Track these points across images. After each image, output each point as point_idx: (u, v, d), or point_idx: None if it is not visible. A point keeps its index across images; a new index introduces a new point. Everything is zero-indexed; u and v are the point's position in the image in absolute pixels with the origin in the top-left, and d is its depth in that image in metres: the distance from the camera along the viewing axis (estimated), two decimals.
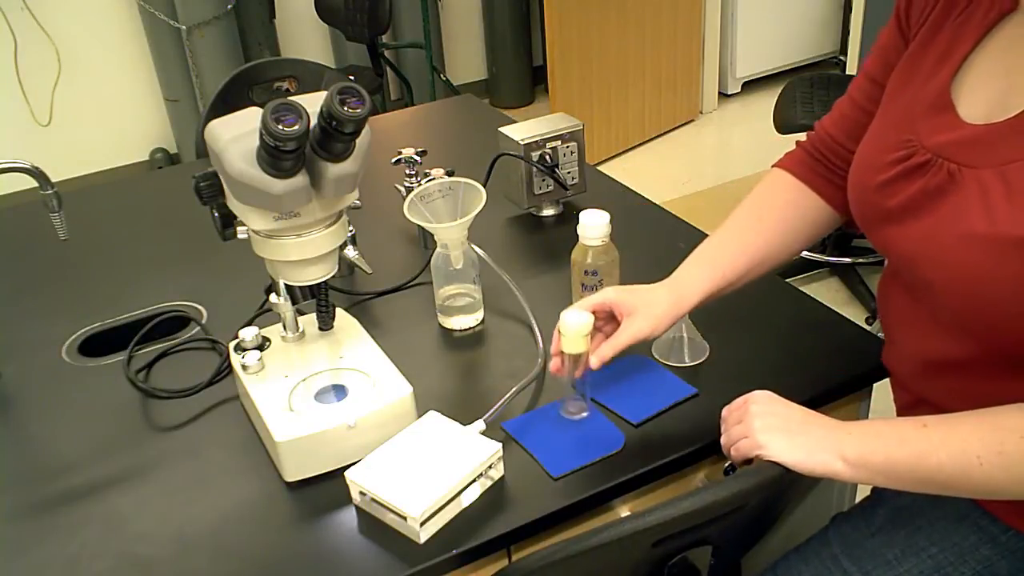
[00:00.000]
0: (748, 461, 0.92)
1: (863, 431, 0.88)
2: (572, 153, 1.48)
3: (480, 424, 1.03)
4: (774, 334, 1.22)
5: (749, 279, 1.09)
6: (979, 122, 0.87)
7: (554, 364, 1.03)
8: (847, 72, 3.58)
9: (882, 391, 1.14)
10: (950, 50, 0.93)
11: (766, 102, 3.26)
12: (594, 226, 1.16)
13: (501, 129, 1.49)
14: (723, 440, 0.95)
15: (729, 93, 4.40)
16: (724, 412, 0.97)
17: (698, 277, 1.05)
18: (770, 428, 0.89)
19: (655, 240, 1.46)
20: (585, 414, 1.04)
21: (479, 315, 1.26)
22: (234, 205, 0.96)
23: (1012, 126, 0.84)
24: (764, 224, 1.10)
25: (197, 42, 3.55)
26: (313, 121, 0.88)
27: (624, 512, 1.02)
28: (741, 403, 0.94)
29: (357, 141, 0.92)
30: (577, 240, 1.18)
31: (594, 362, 1.00)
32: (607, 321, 1.05)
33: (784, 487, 1.02)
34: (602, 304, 1.03)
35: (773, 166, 1.17)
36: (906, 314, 0.99)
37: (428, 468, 0.95)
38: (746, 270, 1.08)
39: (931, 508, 0.98)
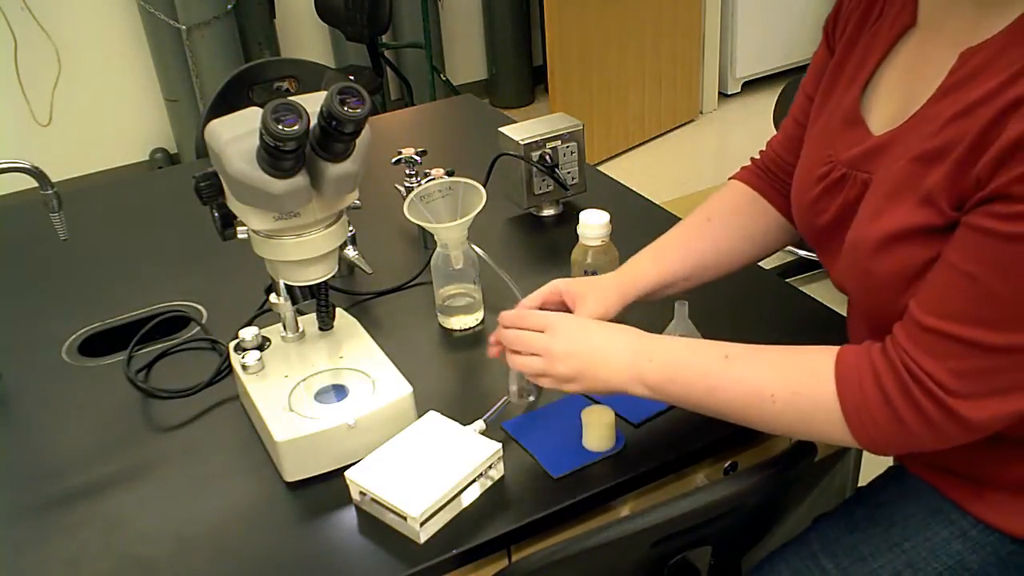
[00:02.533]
0: None
1: (664, 360, 0.91)
2: (572, 153, 1.48)
3: (480, 424, 1.03)
4: (774, 334, 1.21)
5: (703, 279, 1.12)
6: (882, 132, 0.90)
7: (492, 351, 1.02)
8: None
9: None
10: (861, 64, 0.96)
11: (766, 102, 3.26)
12: (594, 226, 1.16)
13: (501, 129, 1.48)
14: (517, 361, 0.96)
15: (729, 93, 4.40)
16: (511, 322, 0.97)
17: (644, 269, 1.09)
18: (573, 372, 0.93)
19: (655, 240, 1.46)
20: (532, 398, 1.05)
21: (479, 315, 1.26)
22: (234, 205, 0.96)
23: (903, 130, 0.87)
24: (712, 224, 1.13)
25: (197, 42, 3.55)
26: (313, 121, 0.88)
27: (624, 512, 1.02)
28: (542, 335, 0.94)
29: (357, 141, 0.92)
30: (577, 240, 1.19)
31: None
32: (557, 308, 1.07)
33: (783, 487, 1.02)
34: (552, 293, 1.06)
35: (730, 178, 1.18)
36: (856, 334, 1.00)
37: (428, 468, 0.95)
38: (693, 268, 1.10)
39: (906, 503, 0.99)
